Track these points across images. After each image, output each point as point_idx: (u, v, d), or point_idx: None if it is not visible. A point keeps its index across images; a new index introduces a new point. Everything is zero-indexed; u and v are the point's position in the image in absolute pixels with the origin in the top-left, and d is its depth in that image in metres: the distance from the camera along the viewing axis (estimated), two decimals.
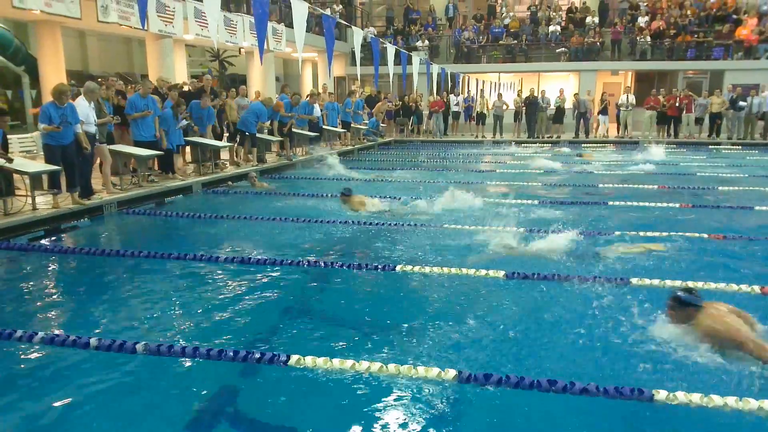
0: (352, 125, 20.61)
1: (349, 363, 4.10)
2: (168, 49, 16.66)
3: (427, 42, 28.90)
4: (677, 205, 10.14)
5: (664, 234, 7.84)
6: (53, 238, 8.21)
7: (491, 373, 3.94)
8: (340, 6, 27.89)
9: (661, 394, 3.69)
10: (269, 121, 15.07)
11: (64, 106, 8.66)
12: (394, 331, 4.78)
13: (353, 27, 18.79)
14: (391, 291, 5.80)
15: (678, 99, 22.86)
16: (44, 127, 8.55)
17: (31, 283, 6.43)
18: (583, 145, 22.01)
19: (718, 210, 9.94)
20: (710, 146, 21.63)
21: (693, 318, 4.33)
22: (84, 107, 9.31)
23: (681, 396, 3.67)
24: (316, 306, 5.64)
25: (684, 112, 22.98)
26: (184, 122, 12.05)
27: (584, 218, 8.89)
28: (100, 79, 14.32)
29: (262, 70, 21.08)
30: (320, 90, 20.86)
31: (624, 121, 23.73)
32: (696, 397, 3.66)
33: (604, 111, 23.93)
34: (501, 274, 6.13)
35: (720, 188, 12.05)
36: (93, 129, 9.56)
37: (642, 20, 27.55)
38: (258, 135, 14.36)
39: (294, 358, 4.19)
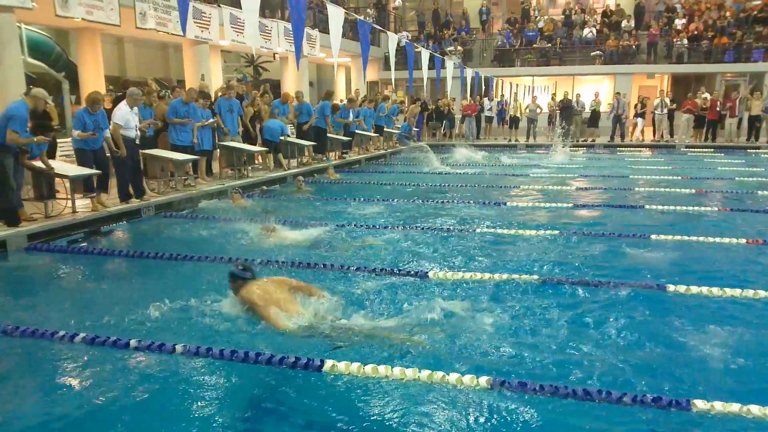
0: (384, 129, 20.62)
1: (382, 369, 4.11)
2: (204, 54, 16.92)
3: (460, 48, 28.81)
4: (716, 209, 9.99)
5: (701, 238, 7.74)
6: (92, 241, 8.40)
7: (526, 381, 3.92)
8: (378, 9, 27.95)
9: (699, 404, 3.63)
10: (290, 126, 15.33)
11: (96, 113, 8.94)
12: (428, 337, 4.78)
13: (387, 32, 18.83)
14: (423, 297, 5.79)
15: (720, 103, 22.22)
16: (79, 134, 8.87)
17: (72, 284, 6.59)
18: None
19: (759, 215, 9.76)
20: (748, 150, 21.11)
21: (241, 289, 5.17)
22: (125, 112, 9.52)
23: (719, 406, 3.60)
24: (352, 312, 5.64)
25: (728, 116, 22.21)
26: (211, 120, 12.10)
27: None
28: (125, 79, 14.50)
29: (296, 76, 21.21)
30: (354, 95, 20.87)
31: (659, 125, 23.35)
32: (734, 407, 3.59)
33: (640, 114, 23.58)
34: (534, 278, 6.10)
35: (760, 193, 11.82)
36: (133, 134, 9.73)
37: (679, 22, 27.09)
38: (288, 139, 14.44)
39: (328, 363, 4.21)
